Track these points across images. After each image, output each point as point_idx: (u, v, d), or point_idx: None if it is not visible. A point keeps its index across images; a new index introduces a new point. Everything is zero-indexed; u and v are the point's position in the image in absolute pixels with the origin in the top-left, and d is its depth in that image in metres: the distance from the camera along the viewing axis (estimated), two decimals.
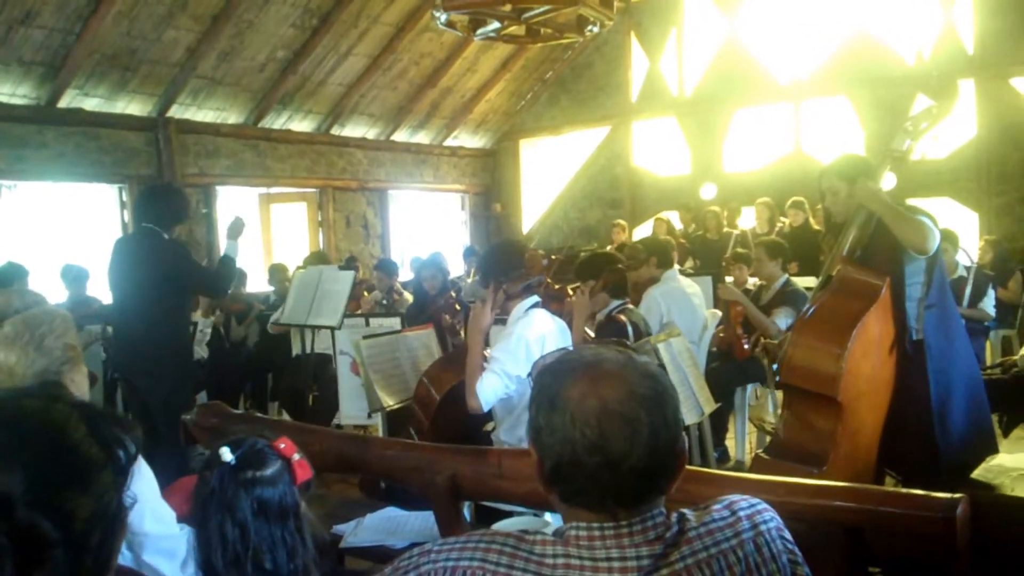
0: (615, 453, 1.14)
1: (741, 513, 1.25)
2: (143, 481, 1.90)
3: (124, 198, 8.87)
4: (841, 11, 10.38)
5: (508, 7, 6.32)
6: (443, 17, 6.46)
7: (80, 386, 1.96)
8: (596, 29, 6.81)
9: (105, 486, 0.95)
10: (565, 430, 1.16)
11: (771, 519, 1.28)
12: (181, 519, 2.15)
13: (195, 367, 5.70)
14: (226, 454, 1.41)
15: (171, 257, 4.59)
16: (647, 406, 1.16)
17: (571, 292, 5.62)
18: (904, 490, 1.77)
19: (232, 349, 7.29)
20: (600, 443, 1.14)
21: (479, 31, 6.84)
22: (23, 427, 0.94)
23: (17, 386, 1.38)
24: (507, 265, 3.60)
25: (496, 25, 6.70)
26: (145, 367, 4.48)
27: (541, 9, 6.37)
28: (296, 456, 1.45)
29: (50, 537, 0.88)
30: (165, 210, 4.64)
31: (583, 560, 1.16)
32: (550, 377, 1.23)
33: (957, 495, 1.68)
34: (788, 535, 1.29)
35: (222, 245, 9.13)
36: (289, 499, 1.44)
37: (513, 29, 6.89)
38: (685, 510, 1.23)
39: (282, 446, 1.45)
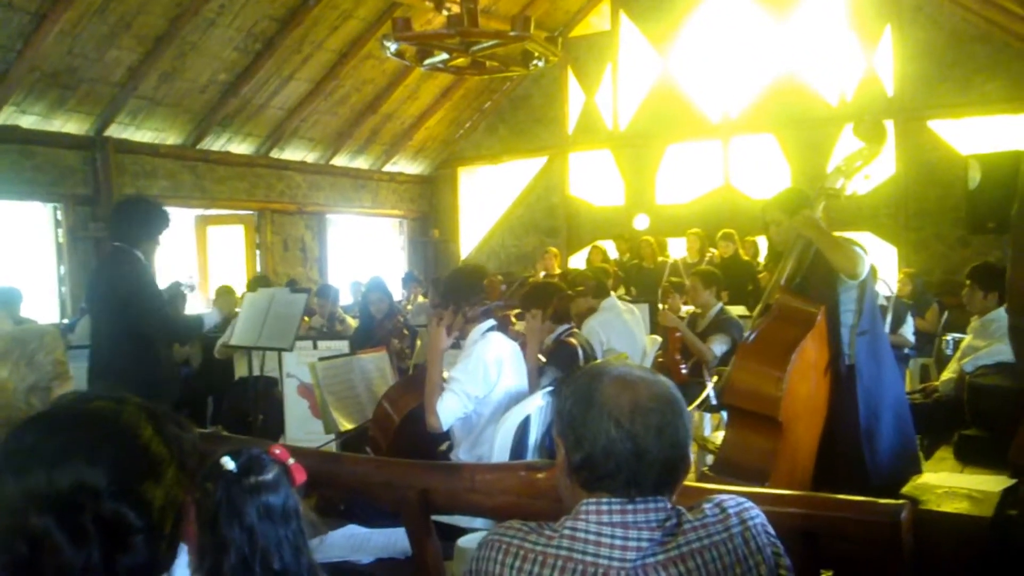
0: (644, 443, 1.33)
1: (730, 511, 1.41)
2: None
3: (59, 217, 8.69)
4: (769, 54, 10.86)
5: (457, 40, 6.50)
6: (393, 47, 6.57)
7: None
8: (541, 64, 6.99)
9: (173, 480, 1.06)
10: (601, 421, 1.34)
11: (757, 516, 1.44)
12: None
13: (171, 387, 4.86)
14: (228, 463, 1.46)
15: (134, 279, 4.29)
16: (671, 407, 1.36)
17: (514, 320, 5.77)
18: (854, 497, 1.94)
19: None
20: (632, 432, 1.33)
21: (427, 61, 6.96)
22: (102, 427, 1.03)
23: (79, 391, 1.45)
24: (469, 290, 3.73)
25: (444, 56, 6.83)
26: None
27: (489, 43, 6.54)
28: (291, 460, 1.53)
29: (134, 524, 0.98)
30: (135, 226, 4.39)
31: (588, 534, 1.33)
32: (586, 379, 1.41)
33: (901, 501, 1.86)
34: (772, 530, 1.45)
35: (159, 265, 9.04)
36: (291, 501, 1.51)
37: (460, 61, 7.04)
38: (680, 507, 1.39)
39: (277, 451, 1.53)
